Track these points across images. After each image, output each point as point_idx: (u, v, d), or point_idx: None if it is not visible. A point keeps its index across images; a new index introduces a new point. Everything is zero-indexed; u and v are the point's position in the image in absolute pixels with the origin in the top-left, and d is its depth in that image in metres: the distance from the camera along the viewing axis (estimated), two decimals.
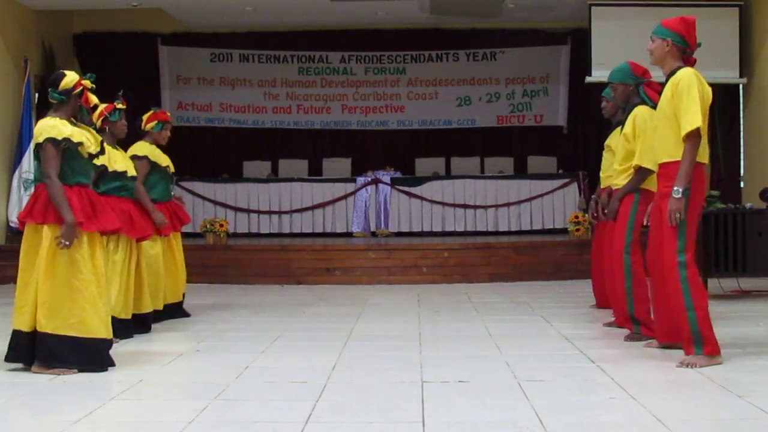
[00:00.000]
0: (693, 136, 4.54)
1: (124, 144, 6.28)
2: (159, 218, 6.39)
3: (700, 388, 4.18)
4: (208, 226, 10.36)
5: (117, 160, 5.87)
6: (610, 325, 6.12)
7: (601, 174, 6.64)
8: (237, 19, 13.12)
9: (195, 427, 3.55)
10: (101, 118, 5.91)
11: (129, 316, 5.89)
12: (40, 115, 11.36)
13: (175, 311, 6.89)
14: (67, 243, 4.52)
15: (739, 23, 11.55)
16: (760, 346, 5.23)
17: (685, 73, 4.64)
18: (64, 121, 4.69)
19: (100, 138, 5.00)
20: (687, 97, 4.56)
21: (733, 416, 3.67)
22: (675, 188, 4.53)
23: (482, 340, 5.72)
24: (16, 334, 4.66)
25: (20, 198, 10.95)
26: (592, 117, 6.67)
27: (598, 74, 10.97)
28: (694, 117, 4.53)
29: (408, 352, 5.27)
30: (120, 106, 5.97)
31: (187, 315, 7.04)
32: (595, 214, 6.51)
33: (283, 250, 10.26)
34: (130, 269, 5.92)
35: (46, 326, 4.55)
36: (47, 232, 4.59)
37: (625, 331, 5.69)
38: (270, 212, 12.32)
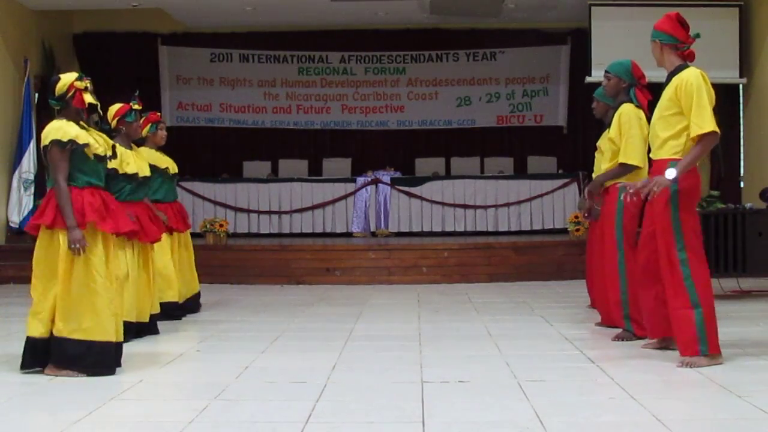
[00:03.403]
0: (708, 137, 4.54)
1: None
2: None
3: (700, 388, 4.18)
4: (208, 226, 10.36)
5: (129, 162, 5.86)
6: (600, 324, 6.14)
7: (593, 175, 6.67)
8: (237, 19, 13.12)
9: (195, 427, 3.55)
10: (116, 119, 5.91)
11: (146, 319, 5.92)
12: (40, 115, 11.50)
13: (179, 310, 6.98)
14: (77, 246, 4.50)
15: (739, 23, 11.56)
16: (760, 346, 5.22)
17: (693, 74, 4.62)
18: (71, 123, 4.67)
19: (111, 142, 4.99)
20: (698, 99, 4.54)
21: (733, 416, 3.66)
22: (671, 170, 4.52)
23: (482, 340, 5.72)
24: (32, 342, 4.63)
25: (20, 198, 10.96)
26: (592, 117, 6.66)
27: (598, 74, 10.92)
28: (709, 119, 4.52)
29: (408, 352, 5.27)
30: (136, 106, 5.97)
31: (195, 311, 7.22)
32: (587, 214, 6.55)
33: (283, 250, 10.26)
34: (147, 272, 5.94)
35: (63, 330, 4.53)
36: (64, 238, 4.55)
37: (616, 331, 5.70)
38: (270, 212, 12.32)
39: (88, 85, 4.76)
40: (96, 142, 4.73)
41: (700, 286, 4.61)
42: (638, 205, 5.22)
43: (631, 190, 4.77)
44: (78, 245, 4.50)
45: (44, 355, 4.61)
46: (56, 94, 4.71)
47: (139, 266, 5.82)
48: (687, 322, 4.60)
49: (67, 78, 4.74)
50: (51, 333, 4.58)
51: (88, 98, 4.73)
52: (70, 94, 4.70)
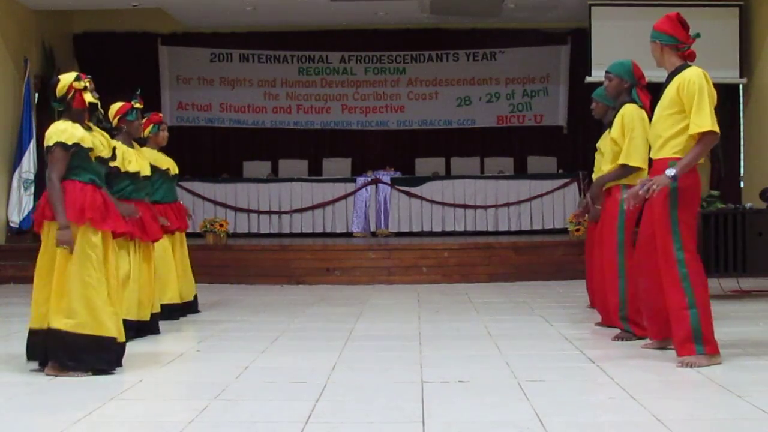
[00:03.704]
0: (708, 136, 4.53)
1: None
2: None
3: (700, 388, 4.18)
4: (208, 226, 10.36)
5: (131, 161, 5.87)
6: (600, 324, 6.13)
7: (593, 176, 6.68)
8: (237, 19, 13.12)
9: (195, 427, 3.55)
10: (118, 117, 5.92)
11: (147, 318, 5.92)
12: (40, 115, 11.50)
13: (183, 310, 7.01)
14: (65, 244, 4.50)
15: (739, 23, 11.57)
16: (760, 346, 5.22)
17: (695, 73, 4.62)
18: (76, 125, 4.67)
19: (112, 144, 4.99)
20: (699, 98, 4.54)
21: (733, 416, 3.66)
22: (671, 169, 4.52)
23: (482, 340, 5.72)
24: (33, 333, 4.66)
25: (20, 198, 10.96)
26: (592, 117, 6.66)
27: (598, 74, 10.90)
28: (709, 118, 4.51)
29: (408, 352, 5.27)
30: (137, 105, 5.97)
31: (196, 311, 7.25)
32: (584, 210, 6.54)
33: (283, 250, 10.26)
34: (148, 271, 5.94)
35: (58, 323, 4.52)
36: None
37: (616, 331, 5.70)
38: (270, 212, 12.33)
39: (88, 84, 4.76)
40: (100, 144, 4.74)
41: (697, 286, 4.61)
42: (639, 206, 5.21)
43: (630, 198, 4.76)
44: (66, 246, 4.49)
45: (43, 347, 4.60)
46: (57, 96, 4.71)
47: (140, 265, 5.82)
48: (683, 322, 4.60)
49: (66, 79, 4.73)
50: (48, 326, 4.57)
51: (89, 98, 4.73)
52: (70, 95, 4.70)
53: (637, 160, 5.52)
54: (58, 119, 4.75)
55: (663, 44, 4.74)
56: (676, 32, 4.72)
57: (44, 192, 4.74)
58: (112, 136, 5.75)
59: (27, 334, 4.73)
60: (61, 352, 4.53)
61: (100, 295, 4.58)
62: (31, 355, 4.72)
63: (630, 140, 5.53)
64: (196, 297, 7.33)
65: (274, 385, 4.39)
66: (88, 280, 4.56)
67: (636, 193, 4.68)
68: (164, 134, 6.87)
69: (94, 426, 3.61)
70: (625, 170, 5.59)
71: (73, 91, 4.70)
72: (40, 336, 4.61)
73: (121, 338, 4.72)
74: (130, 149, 5.92)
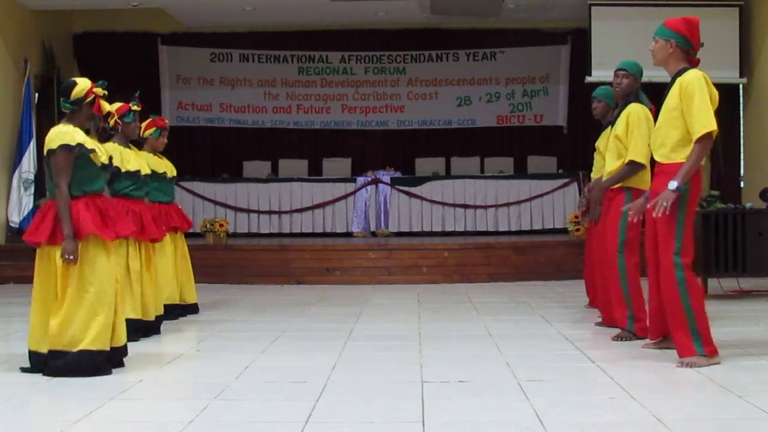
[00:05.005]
0: (705, 139, 4.53)
1: None
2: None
3: (700, 388, 4.18)
4: (208, 226, 10.37)
5: (130, 160, 5.88)
6: (600, 324, 6.13)
7: (592, 175, 6.67)
8: (237, 19, 13.12)
9: (195, 427, 3.55)
10: (114, 119, 5.91)
11: (152, 318, 5.92)
12: (40, 115, 11.47)
13: (181, 311, 7.00)
14: (71, 257, 4.47)
15: (739, 23, 11.57)
16: (760, 346, 5.22)
17: (694, 75, 4.61)
18: (77, 129, 4.66)
19: (109, 153, 4.98)
20: (699, 100, 4.53)
21: (733, 416, 3.67)
22: (672, 182, 4.52)
23: (482, 340, 5.72)
24: (34, 355, 4.63)
25: (20, 198, 10.96)
26: (592, 117, 6.66)
27: (598, 74, 10.99)
28: (708, 120, 4.51)
29: (408, 352, 5.27)
30: (135, 107, 5.97)
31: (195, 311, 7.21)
32: (585, 210, 6.52)
33: (283, 250, 10.26)
34: (150, 271, 5.94)
35: (58, 344, 4.51)
36: (59, 254, 4.53)
37: (616, 331, 5.70)
38: (270, 212, 12.33)
39: (106, 92, 4.77)
40: (99, 150, 4.73)
41: (692, 289, 4.60)
42: (641, 216, 5.21)
43: (634, 213, 4.76)
44: (71, 257, 4.47)
45: (45, 365, 4.60)
46: (71, 97, 4.66)
47: (142, 265, 5.82)
48: (681, 324, 4.60)
49: (86, 83, 4.71)
50: (49, 349, 4.56)
51: (106, 107, 4.74)
52: (88, 99, 4.67)
53: (644, 157, 5.52)
54: (58, 121, 4.74)
55: (677, 45, 4.71)
56: (693, 38, 4.70)
57: (41, 209, 4.70)
58: (109, 137, 5.77)
59: (28, 354, 4.70)
60: (57, 370, 4.52)
61: (99, 309, 4.56)
62: (30, 371, 4.67)
63: (636, 138, 5.52)
64: (196, 305, 7.30)
65: (274, 385, 4.39)
66: (85, 296, 4.54)
67: (641, 206, 4.68)
68: (163, 141, 6.85)
69: (94, 426, 3.61)
70: (633, 167, 5.57)
71: (92, 96, 4.68)
72: (41, 356, 4.59)
73: (119, 343, 4.71)
74: (126, 150, 5.92)
